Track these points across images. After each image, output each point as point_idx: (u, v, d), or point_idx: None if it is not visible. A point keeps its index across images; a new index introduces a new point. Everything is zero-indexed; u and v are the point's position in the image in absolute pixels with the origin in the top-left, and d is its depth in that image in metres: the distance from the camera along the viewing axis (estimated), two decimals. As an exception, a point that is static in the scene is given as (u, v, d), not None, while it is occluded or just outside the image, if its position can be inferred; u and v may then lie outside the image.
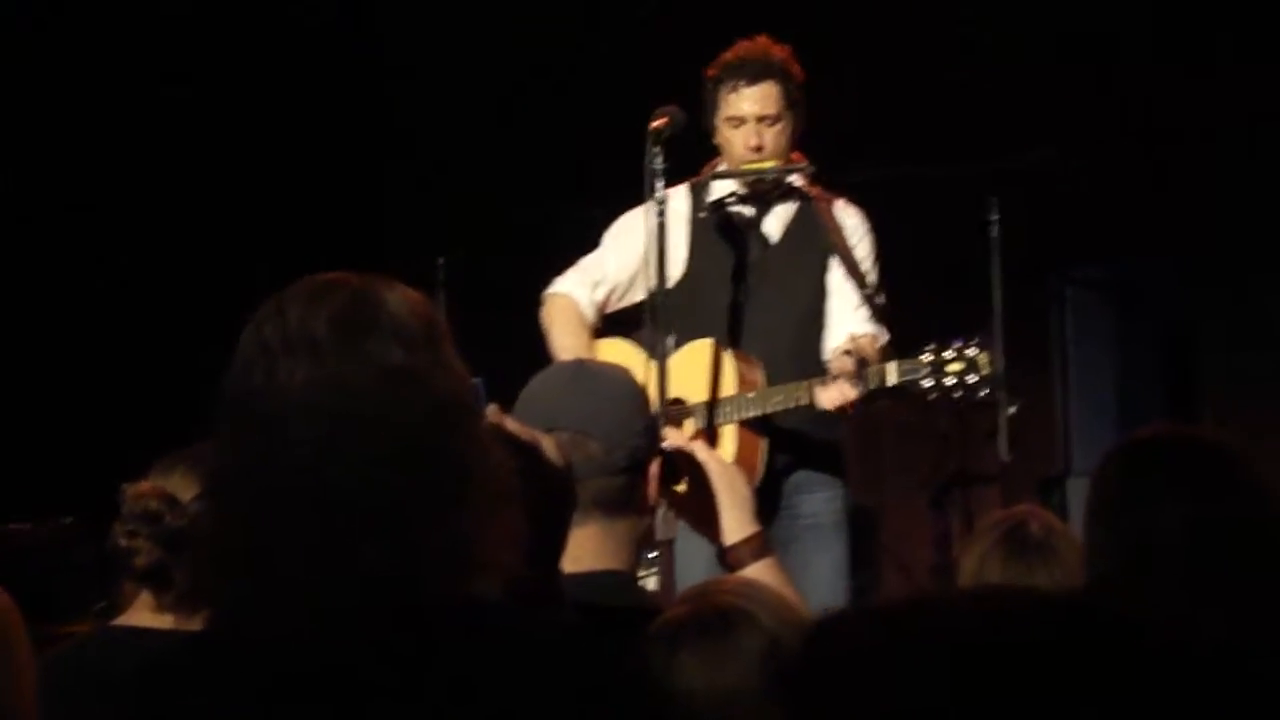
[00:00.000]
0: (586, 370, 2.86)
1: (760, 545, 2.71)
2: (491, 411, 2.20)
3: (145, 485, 2.66)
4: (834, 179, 5.86)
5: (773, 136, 4.77)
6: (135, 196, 7.10)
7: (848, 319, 4.82)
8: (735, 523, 2.72)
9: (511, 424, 2.28)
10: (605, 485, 2.62)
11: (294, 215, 7.13)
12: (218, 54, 7.14)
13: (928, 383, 4.51)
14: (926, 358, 4.52)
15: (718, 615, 2.20)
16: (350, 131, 7.26)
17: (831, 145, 6.66)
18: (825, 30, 7.12)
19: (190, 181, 7.14)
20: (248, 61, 7.19)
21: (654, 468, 2.69)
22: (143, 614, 2.69)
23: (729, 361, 4.67)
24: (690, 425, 4.61)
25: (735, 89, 4.76)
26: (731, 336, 4.71)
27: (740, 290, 4.77)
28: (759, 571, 2.69)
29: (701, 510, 2.74)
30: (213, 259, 6.99)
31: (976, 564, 3.15)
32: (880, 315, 4.80)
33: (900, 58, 7.23)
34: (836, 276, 4.85)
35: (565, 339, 4.81)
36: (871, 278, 4.86)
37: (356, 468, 1.81)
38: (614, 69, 6.84)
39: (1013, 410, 5.69)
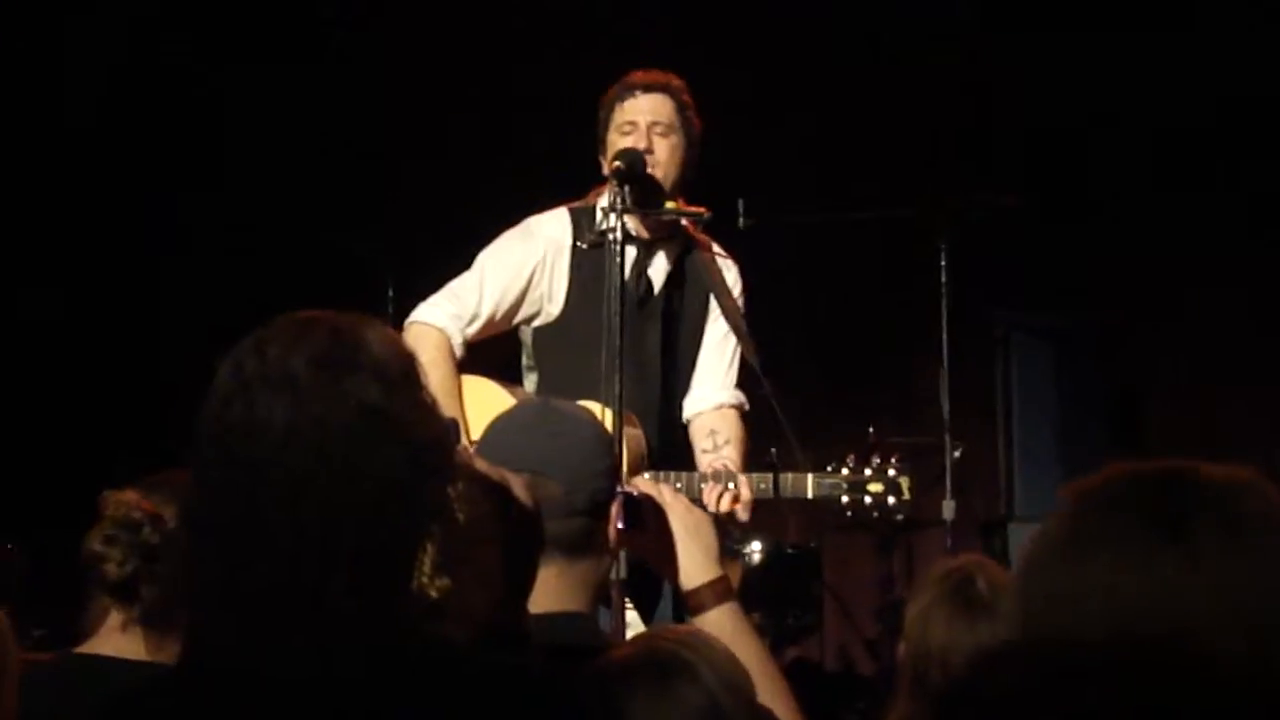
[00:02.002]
0: (551, 411, 2.85)
1: (724, 590, 2.71)
2: (462, 450, 2.19)
3: (130, 494, 2.61)
4: (784, 220, 5.89)
5: (666, 148, 4.51)
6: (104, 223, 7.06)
7: (716, 382, 4.69)
8: (696, 567, 2.72)
9: (482, 464, 2.27)
10: (565, 527, 2.61)
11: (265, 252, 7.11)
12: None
13: (845, 499, 4.45)
14: (845, 472, 4.46)
15: (659, 663, 2.19)
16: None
17: (781, 185, 6.72)
18: (775, 66, 7.18)
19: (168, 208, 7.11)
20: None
21: (615, 509, 2.68)
22: (110, 640, 2.64)
23: (627, 429, 4.23)
24: None
25: (630, 96, 4.55)
26: (607, 389, 4.16)
27: (619, 334, 4.26)
28: (720, 615, 2.69)
29: (664, 554, 2.74)
30: (187, 290, 6.95)
31: (921, 616, 3.15)
32: (743, 377, 4.67)
33: (851, 96, 7.27)
34: (715, 330, 4.72)
35: (432, 380, 4.42)
36: (745, 335, 4.68)
37: (331, 507, 1.80)
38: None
39: (957, 455, 5.71)
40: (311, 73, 7.21)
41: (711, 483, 4.38)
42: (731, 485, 4.36)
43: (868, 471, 4.46)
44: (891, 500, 4.47)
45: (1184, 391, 7.23)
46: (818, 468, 4.49)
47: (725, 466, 4.45)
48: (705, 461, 4.55)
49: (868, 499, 4.46)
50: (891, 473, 4.47)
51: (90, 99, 7.07)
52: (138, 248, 7.10)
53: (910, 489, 4.47)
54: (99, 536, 2.59)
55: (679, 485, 4.42)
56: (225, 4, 7.16)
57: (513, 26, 7.20)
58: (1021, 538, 6.52)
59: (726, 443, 4.56)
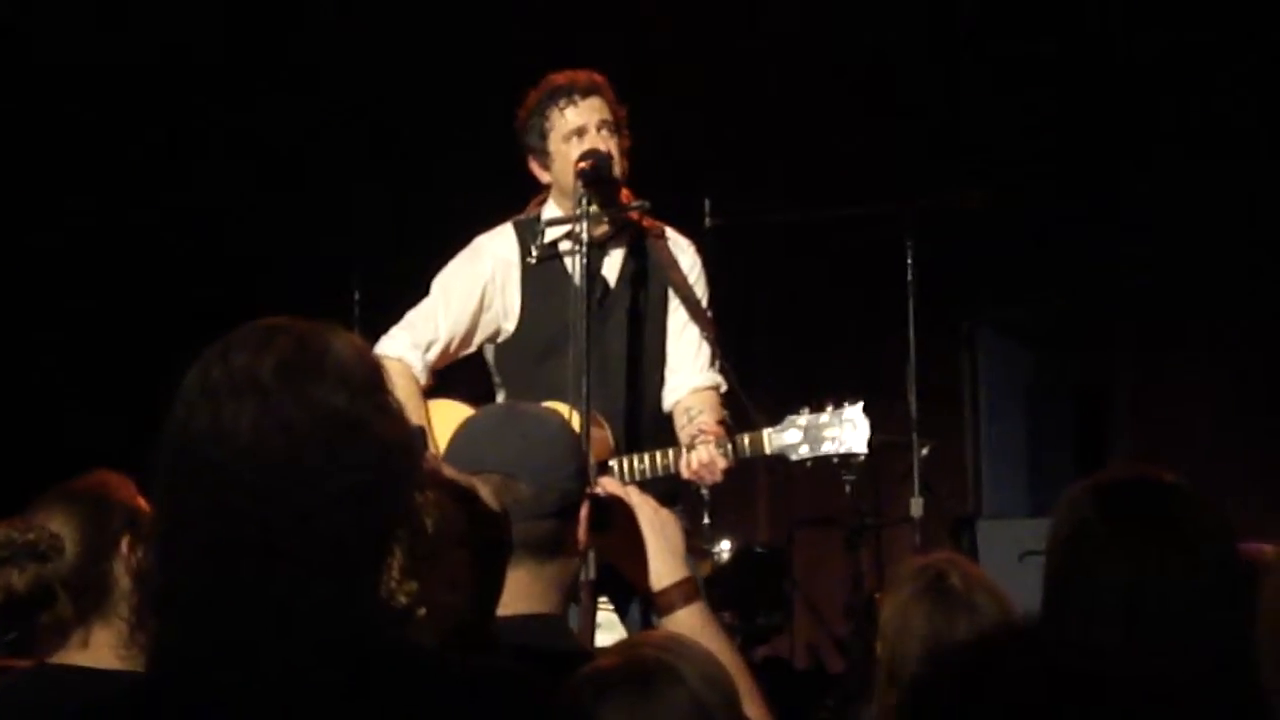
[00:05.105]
0: (518, 413, 2.85)
1: (691, 590, 2.71)
2: (429, 457, 2.20)
3: None
4: (750, 219, 5.90)
5: (615, 146, 4.52)
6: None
7: (689, 368, 4.66)
8: (666, 567, 2.72)
9: (448, 470, 2.27)
10: (534, 529, 2.60)
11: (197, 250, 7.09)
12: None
13: (804, 449, 4.41)
14: (801, 421, 4.41)
15: (643, 669, 2.20)
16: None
17: (747, 184, 6.73)
18: (741, 65, 7.20)
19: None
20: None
21: (584, 511, 2.68)
22: (77, 652, 2.66)
23: (593, 430, 4.26)
24: None
25: (570, 104, 4.53)
26: (574, 391, 4.22)
27: (584, 337, 4.28)
28: (689, 615, 2.69)
29: (631, 554, 2.74)
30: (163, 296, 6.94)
31: (899, 612, 3.18)
32: (718, 357, 4.64)
33: (816, 96, 7.29)
34: (677, 318, 4.68)
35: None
36: (708, 315, 4.67)
37: (299, 514, 1.80)
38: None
39: (925, 452, 5.73)
40: (290, 77, 7.21)
41: (673, 455, 4.38)
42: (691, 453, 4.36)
43: (822, 418, 4.42)
44: (850, 444, 4.42)
45: (1148, 388, 7.25)
46: (772, 424, 4.46)
47: (697, 431, 4.43)
48: (684, 438, 4.53)
49: (826, 445, 4.42)
50: (846, 415, 4.42)
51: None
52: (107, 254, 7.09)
53: (867, 425, 4.41)
54: None
55: (642, 465, 4.42)
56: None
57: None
58: (990, 534, 6.54)
59: (700, 413, 4.53)
